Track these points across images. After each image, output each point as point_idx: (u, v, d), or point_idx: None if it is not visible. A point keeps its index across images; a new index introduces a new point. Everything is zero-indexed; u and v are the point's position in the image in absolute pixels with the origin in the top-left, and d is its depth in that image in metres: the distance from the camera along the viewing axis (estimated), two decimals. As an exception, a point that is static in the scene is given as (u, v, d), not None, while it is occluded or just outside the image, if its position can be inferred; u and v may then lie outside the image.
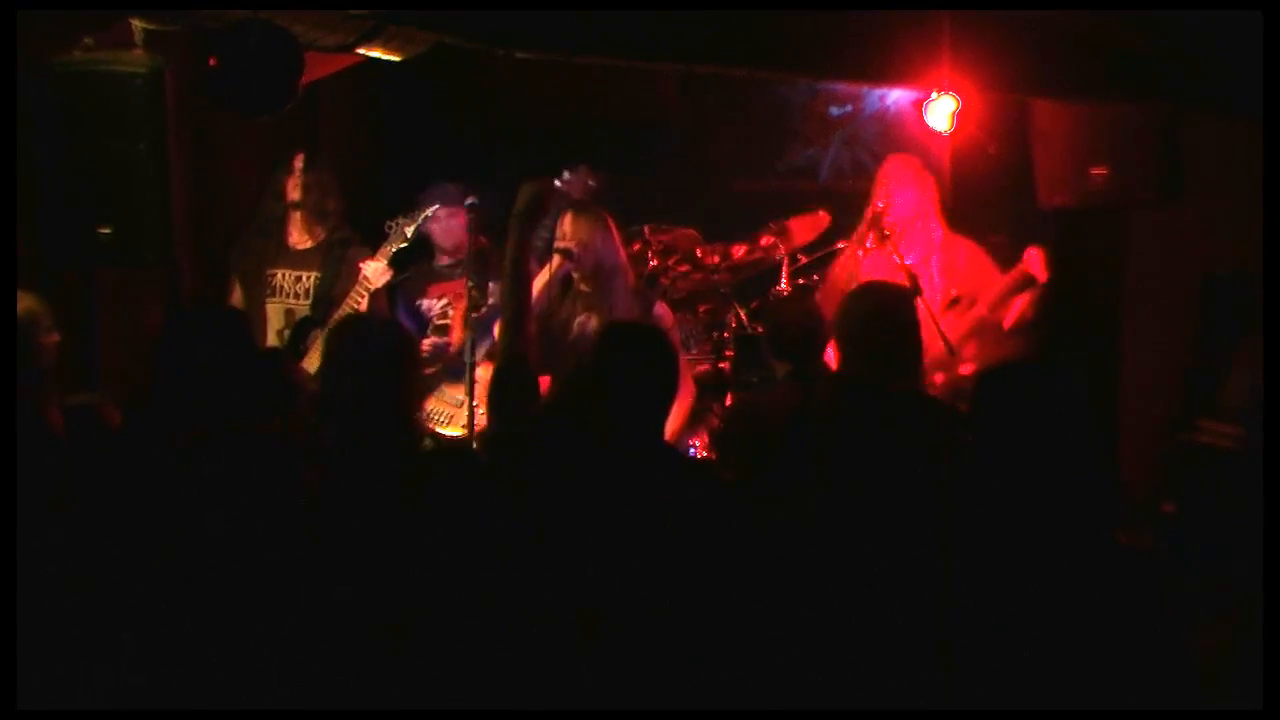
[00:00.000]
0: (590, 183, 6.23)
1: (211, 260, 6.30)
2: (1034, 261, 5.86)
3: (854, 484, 3.48)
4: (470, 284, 6.08)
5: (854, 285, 5.86)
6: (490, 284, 6.24)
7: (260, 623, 3.29)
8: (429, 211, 6.01)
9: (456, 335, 6.20)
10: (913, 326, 4.64)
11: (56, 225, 4.89)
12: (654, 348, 3.84)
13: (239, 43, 4.95)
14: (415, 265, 6.38)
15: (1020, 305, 5.92)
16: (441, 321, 6.34)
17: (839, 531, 3.42)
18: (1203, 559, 3.97)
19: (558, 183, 6.19)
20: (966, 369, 5.81)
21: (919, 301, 5.63)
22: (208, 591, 3.32)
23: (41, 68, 4.80)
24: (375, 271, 5.96)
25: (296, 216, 6.19)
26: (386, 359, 3.59)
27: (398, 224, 5.98)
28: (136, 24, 5.05)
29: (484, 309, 6.09)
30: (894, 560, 3.30)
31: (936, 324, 5.72)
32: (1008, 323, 5.91)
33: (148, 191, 4.88)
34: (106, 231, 4.84)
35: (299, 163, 6.15)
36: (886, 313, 4.62)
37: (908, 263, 5.87)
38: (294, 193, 6.14)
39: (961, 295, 5.85)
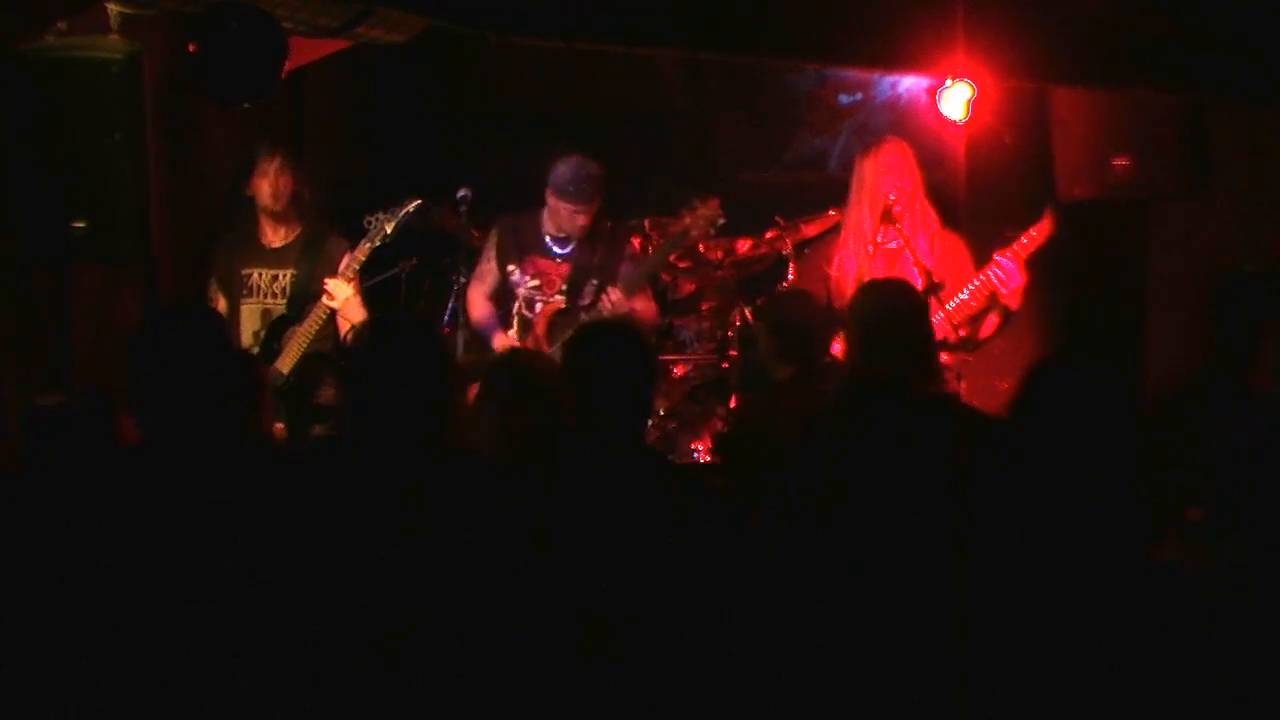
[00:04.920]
0: (720, 221, 6.15)
1: (190, 255, 6.27)
2: (1000, 274, 5.79)
3: (879, 491, 3.47)
4: (463, 279, 6.07)
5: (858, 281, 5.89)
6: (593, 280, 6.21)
7: (245, 630, 3.28)
8: (410, 207, 5.93)
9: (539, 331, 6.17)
10: (928, 323, 4.61)
11: (28, 219, 4.87)
12: (630, 346, 3.83)
13: (219, 27, 4.94)
14: (524, 213, 6.27)
15: (987, 327, 5.89)
16: (528, 312, 6.19)
17: (861, 542, 3.41)
18: (1234, 568, 3.94)
19: (683, 214, 6.14)
20: (945, 358, 5.80)
21: (933, 298, 5.63)
22: (188, 598, 3.30)
23: (12, 54, 4.78)
24: (337, 289, 5.86)
25: (270, 214, 6.12)
26: (424, 366, 3.56)
27: (378, 219, 5.90)
28: (112, 8, 5.04)
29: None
30: (915, 567, 3.29)
31: (945, 312, 5.71)
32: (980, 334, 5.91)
33: (123, 184, 4.86)
34: (81, 225, 4.82)
35: (271, 166, 6.03)
36: (904, 310, 4.60)
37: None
38: (268, 199, 6.05)
39: (944, 282, 5.84)
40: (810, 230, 6.86)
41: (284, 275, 6.06)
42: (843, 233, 6.05)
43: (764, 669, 3.42)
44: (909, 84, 7.84)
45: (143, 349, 3.67)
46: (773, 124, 8.69)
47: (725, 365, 6.85)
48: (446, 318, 6.42)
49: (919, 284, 5.68)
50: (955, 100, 5.67)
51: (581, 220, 6.17)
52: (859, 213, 5.99)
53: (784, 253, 6.90)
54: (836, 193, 6.49)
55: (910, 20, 5.21)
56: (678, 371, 6.88)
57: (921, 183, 5.96)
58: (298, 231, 6.10)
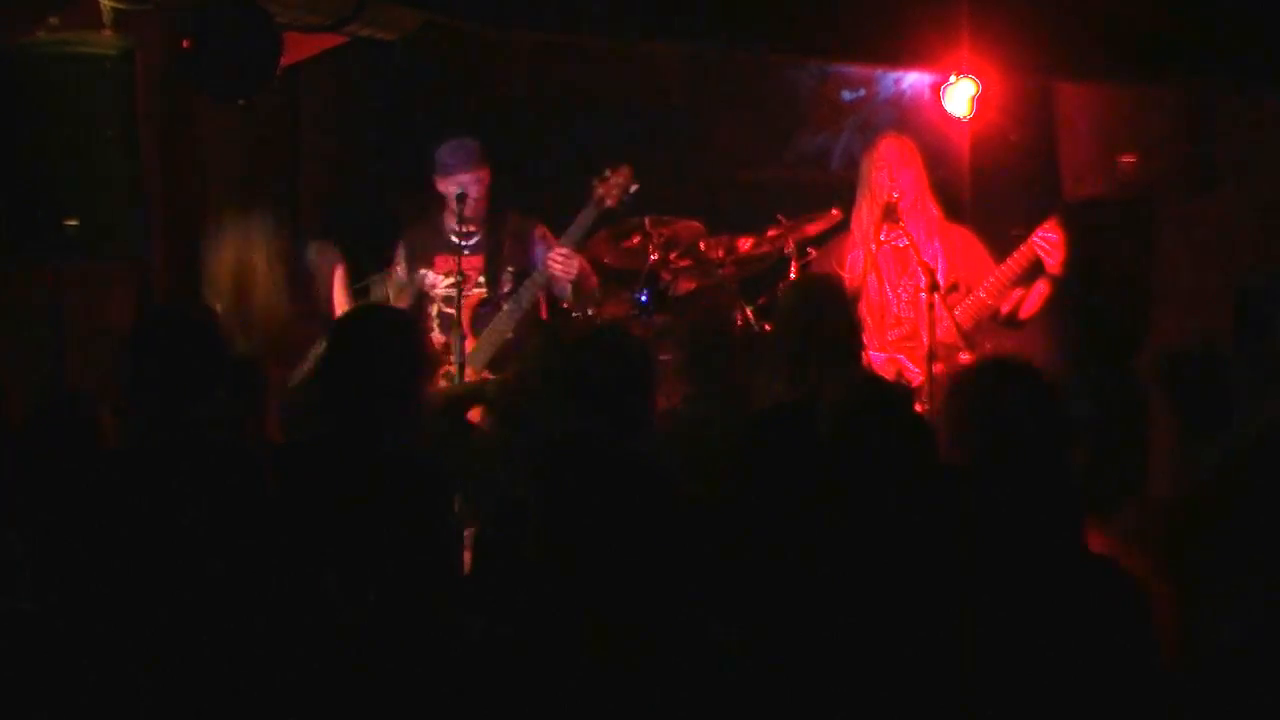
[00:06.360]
0: (632, 189, 6.13)
1: (185, 254, 6.25)
2: (1045, 244, 5.76)
3: (869, 492, 3.46)
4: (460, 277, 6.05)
5: (863, 280, 5.90)
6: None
7: (234, 629, 3.27)
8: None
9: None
10: (844, 312, 4.61)
11: (20, 217, 4.86)
12: (637, 356, 3.83)
13: (214, 22, 4.94)
14: (425, 219, 6.24)
15: (1032, 298, 5.88)
16: (448, 309, 6.21)
17: (853, 545, 3.40)
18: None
19: (596, 185, 6.12)
20: (966, 358, 5.79)
21: (935, 295, 5.62)
22: (179, 598, 3.30)
23: (3, 49, 4.77)
24: None
25: None
26: (398, 354, 3.56)
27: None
28: (105, 2, 5.03)
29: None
30: (906, 570, 3.28)
31: (951, 313, 5.70)
32: (1023, 313, 5.89)
33: (117, 181, 4.85)
34: (73, 224, 4.81)
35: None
36: (839, 304, 4.60)
37: (924, 257, 5.85)
38: None
39: (959, 282, 5.85)
40: (813, 229, 6.84)
41: None
42: (851, 232, 6.06)
43: (757, 673, 3.41)
44: (912, 80, 7.81)
45: (133, 349, 3.67)
46: (773, 121, 8.67)
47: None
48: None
49: (923, 282, 5.68)
50: (959, 97, 5.66)
51: (472, 192, 6.08)
52: (861, 211, 6.00)
53: (786, 251, 6.88)
54: (839, 191, 6.49)
55: (914, 15, 5.21)
56: (679, 371, 6.86)
57: (925, 178, 5.95)
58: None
